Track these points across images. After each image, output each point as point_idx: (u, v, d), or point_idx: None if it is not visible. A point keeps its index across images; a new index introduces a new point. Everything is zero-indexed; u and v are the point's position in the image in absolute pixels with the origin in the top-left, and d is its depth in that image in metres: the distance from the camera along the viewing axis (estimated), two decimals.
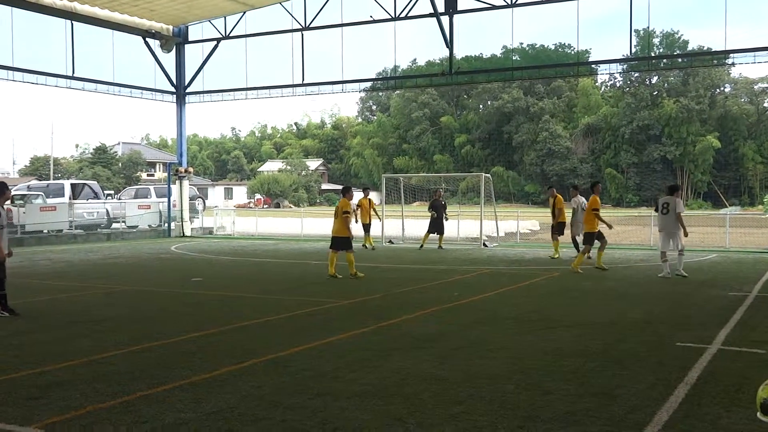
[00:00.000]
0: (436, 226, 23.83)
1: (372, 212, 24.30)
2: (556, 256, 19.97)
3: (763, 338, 8.76)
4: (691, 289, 13.56)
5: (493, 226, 26.87)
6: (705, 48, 64.07)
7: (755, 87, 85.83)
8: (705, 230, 28.43)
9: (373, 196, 26.41)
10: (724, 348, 8.21)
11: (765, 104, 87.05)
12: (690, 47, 76.69)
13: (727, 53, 24.77)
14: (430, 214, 24.15)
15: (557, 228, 20.52)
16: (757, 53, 23.13)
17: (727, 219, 25.66)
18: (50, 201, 29.49)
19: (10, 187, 11.39)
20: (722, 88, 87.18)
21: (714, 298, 12.17)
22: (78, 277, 15.90)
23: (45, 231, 27.40)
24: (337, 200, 17.05)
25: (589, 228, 16.79)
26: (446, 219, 24.35)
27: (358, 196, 24.73)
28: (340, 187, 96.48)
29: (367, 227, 24.02)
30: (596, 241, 16.96)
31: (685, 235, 15.24)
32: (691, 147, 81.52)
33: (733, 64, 37.75)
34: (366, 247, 23.52)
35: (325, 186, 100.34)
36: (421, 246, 23.71)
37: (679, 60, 64.36)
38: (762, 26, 71.36)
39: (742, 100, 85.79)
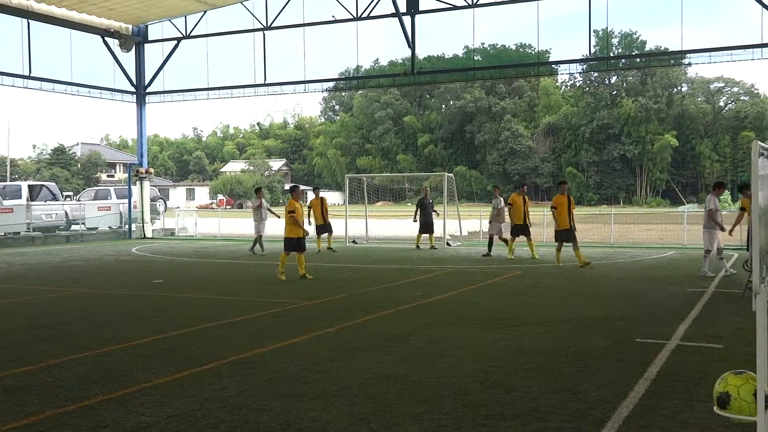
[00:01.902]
0: (425, 226, 23.66)
1: (324, 213, 22.91)
2: (537, 256, 19.65)
3: (720, 333, 8.94)
4: (650, 285, 13.78)
5: (457, 226, 27.03)
6: (662, 48, 65.36)
7: (711, 86, 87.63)
8: (663, 227, 28.94)
9: (336, 196, 26.05)
10: (683, 343, 8.36)
11: (721, 103, 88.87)
12: (648, 47, 78.07)
13: (683, 53, 25.23)
14: (415, 213, 23.94)
15: (524, 229, 19.83)
16: (712, 53, 23.60)
17: (685, 216, 26.16)
18: (7, 203, 28.93)
19: None
20: (679, 88, 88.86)
21: (672, 295, 12.38)
22: (36, 280, 15.62)
23: (2, 233, 26.88)
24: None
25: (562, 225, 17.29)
26: (437, 215, 24.06)
27: (331, 195, 24.19)
28: (304, 187, 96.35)
29: (322, 228, 22.84)
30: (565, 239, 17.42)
31: (722, 229, 14.68)
32: (649, 146, 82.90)
33: (689, 64, 38.41)
34: (320, 250, 22.63)
35: (288, 186, 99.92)
36: (417, 246, 23.54)
37: (637, 60, 65.35)
38: (717, 27, 72.83)
39: (699, 99, 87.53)
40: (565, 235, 17.46)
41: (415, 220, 23.78)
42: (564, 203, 17.41)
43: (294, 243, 15.29)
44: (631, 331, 9.16)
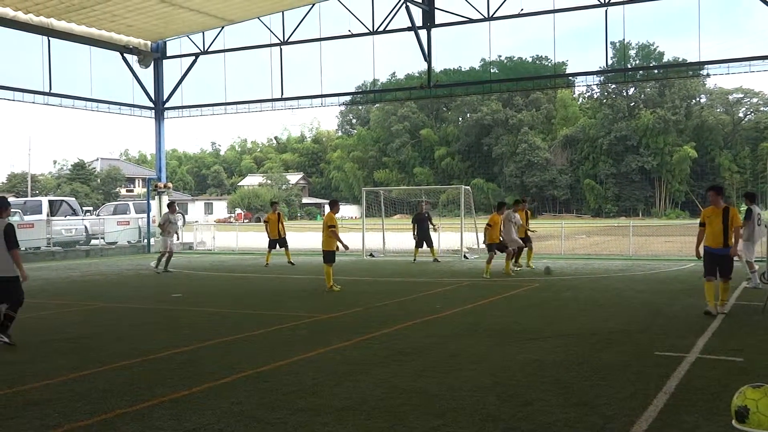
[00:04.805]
0: (422, 239, 23.72)
1: (280, 227, 23.18)
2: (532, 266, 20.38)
3: (740, 346, 8.85)
4: (669, 298, 13.67)
5: (474, 238, 26.94)
6: (680, 59, 64.96)
7: (730, 97, 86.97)
8: (683, 239, 28.66)
9: (354, 209, 26.23)
10: (702, 356, 8.28)
11: (740, 114, 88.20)
12: (665, 59, 77.61)
13: (701, 64, 25.07)
14: (412, 228, 24.07)
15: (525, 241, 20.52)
16: (730, 64, 23.44)
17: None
18: (28, 218, 29.20)
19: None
20: (698, 99, 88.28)
21: (692, 307, 12.25)
22: (56, 295, 15.76)
23: (22, 248, 27.06)
24: (318, 214, 17.15)
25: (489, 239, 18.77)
26: (435, 230, 24.17)
27: (348, 209, 24.43)
28: (320, 201, 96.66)
29: (274, 243, 23.09)
30: (497, 250, 18.70)
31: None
32: (668, 157, 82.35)
33: (708, 75, 38.32)
34: (267, 264, 22.63)
35: (305, 200, 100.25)
36: (414, 260, 23.61)
37: (655, 71, 64.99)
38: (735, 38, 72.46)
39: (718, 110, 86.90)
40: (496, 247, 18.69)
41: (414, 238, 23.93)
42: (499, 221, 18.77)
43: (333, 255, 15.70)
44: (651, 344, 9.09)
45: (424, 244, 23.70)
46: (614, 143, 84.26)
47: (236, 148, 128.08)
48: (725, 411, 5.78)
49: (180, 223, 35.59)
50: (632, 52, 78.24)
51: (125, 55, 30.03)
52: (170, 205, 22.36)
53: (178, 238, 22.14)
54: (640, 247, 26.35)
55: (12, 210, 29.67)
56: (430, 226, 23.93)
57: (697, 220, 11.56)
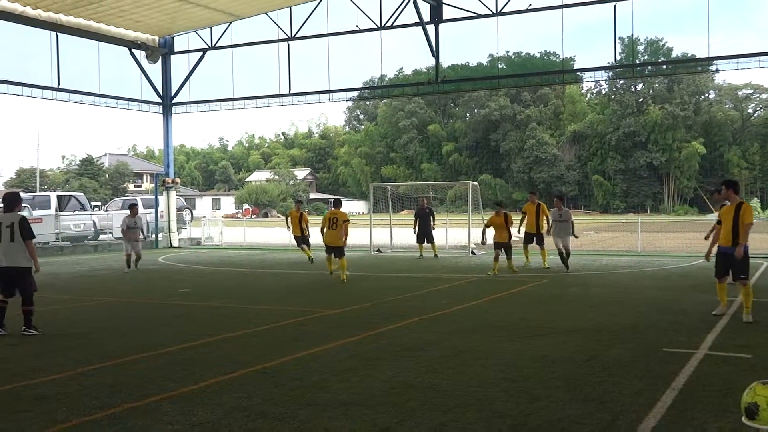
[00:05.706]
0: (423, 235, 23.65)
1: (303, 225, 22.11)
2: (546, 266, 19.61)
3: (749, 342, 8.81)
4: (678, 294, 13.62)
5: (481, 234, 26.88)
6: (689, 55, 64.64)
7: (739, 93, 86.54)
8: (692, 236, 28.57)
9: (361, 205, 26.13)
10: (711, 353, 8.25)
11: (749, 110, 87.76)
12: (674, 54, 77.25)
13: (710, 60, 24.97)
14: (414, 223, 23.95)
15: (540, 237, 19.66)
16: (740, 60, 23.33)
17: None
18: (36, 213, 29.27)
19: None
20: (707, 95, 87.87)
21: (701, 303, 12.20)
22: (64, 290, 15.81)
23: None
24: (324, 210, 17.26)
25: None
26: (433, 228, 23.86)
27: (356, 204, 24.28)
28: (328, 196, 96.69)
29: (303, 239, 22.03)
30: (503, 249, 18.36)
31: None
32: (676, 153, 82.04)
33: (716, 70, 38.19)
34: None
35: (313, 195, 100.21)
36: (420, 255, 23.53)
37: (664, 67, 64.77)
38: (744, 33, 72.10)
39: (727, 106, 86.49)
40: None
41: (415, 232, 23.78)
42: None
43: (338, 250, 16.32)
44: (659, 340, 9.05)
45: (425, 240, 23.62)
46: (622, 139, 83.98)
47: (244, 143, 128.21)
48: (734, 407, 5.75)
49: (188, 218, 35.79)
50: (641, 48, 78.01)
51: (133, 50, 30.06)
52: (131, 207, 21.21)
53: (145, 238, 21.81)
54: (648, 244, 26.26)
55: (21, 205, 29.99)
56: (431, 222, 23.72)
57: (708, 216, 11.46)
